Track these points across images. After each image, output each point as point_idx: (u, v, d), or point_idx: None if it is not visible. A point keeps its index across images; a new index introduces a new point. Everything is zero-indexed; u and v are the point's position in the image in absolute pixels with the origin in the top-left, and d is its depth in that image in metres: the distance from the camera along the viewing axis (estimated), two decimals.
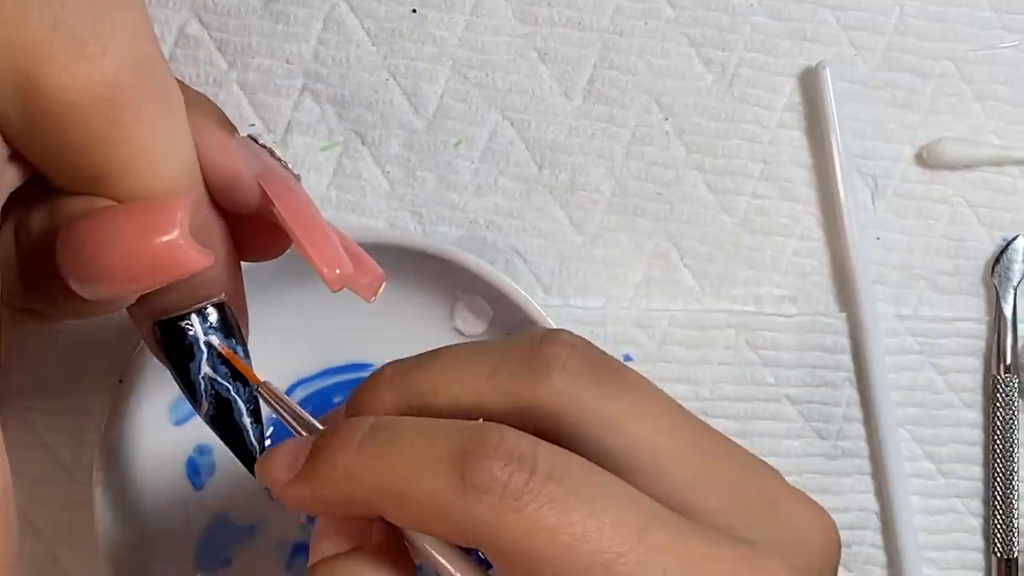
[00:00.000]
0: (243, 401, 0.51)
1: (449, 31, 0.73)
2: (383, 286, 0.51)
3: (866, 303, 0.75)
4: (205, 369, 0.50)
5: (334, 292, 0.49)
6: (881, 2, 0.76)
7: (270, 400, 0.51)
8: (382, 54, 0.72)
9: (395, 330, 0.69)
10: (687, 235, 0.74)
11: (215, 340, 0.50)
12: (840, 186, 0.74)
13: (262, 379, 0.51)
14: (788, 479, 0.72)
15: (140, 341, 0.64)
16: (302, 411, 0.51)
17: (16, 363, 0.69)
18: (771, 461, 0.69)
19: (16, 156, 0.44)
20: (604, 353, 0.49)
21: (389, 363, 0.51)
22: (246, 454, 0.52)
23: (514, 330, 0.68)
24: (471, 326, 0.69)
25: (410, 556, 0.46)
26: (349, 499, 0.45)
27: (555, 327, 0.54)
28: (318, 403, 0.69)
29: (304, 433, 0.49)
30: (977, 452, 0.77)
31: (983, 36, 0.75)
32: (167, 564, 0.67)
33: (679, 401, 0.71)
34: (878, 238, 0.76)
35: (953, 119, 0.75)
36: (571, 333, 0.49)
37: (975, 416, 0.77)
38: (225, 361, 0.50)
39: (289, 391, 0.69)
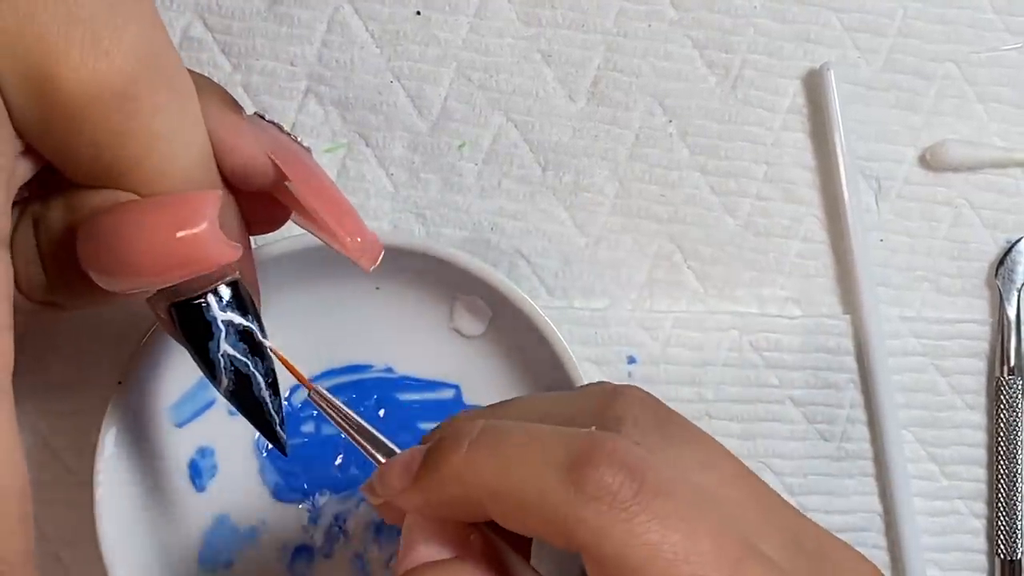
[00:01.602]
0: (261, 375, 0.51)
1: (453, 33, 0.71)
2: (381, 254, 0.52)
3: (869, 305, 0.73)
4: (224, 347, 0.50)
5: (353, 260, 0.50)
6: (884, 4, 0.74)
7: (321, 403, 0.53)
8: (386, 56, 0.71)
9: (395, 331, 0.68)
10: (690, 237, 0.73)
11: (233, 317, 0.49)
12: (844, 188, 0.73)
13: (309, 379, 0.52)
14: (792, 481, 0.72)
15: (139, 343, 0.63)
16: (352, 414, 0.53)
17: (20, 365, 0.67)
18: (775, 463, 0.68)
19: (28, 149, 0.44)
20: (669, 408, 0.50)
21: (461, 413, 0.53)
22: (267, 425, 0.52)
23: (513, 331, 0.67)
24: (470, 327, 0.68)
25: (507, 567, 0.47)
26: (458, 500, 0.46)
27: (617, 384, 0.54)
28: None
29: (355, 435, 0.52)
30: (980, 454, 0.75)
31: (986, 38, 0.74)
32: (169, 566, 0.66)
33: (683, 403, 0.70)
34: (882, 240, 0.75)
35: (956, 121, 0.74)
36: (639, 389, 0.50)
37: (978, 418, 0.75)
38: (243, 337, 0.50)
39: (289, 394, 0.68)
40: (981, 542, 0.75)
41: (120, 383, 0.63)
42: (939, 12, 0.75)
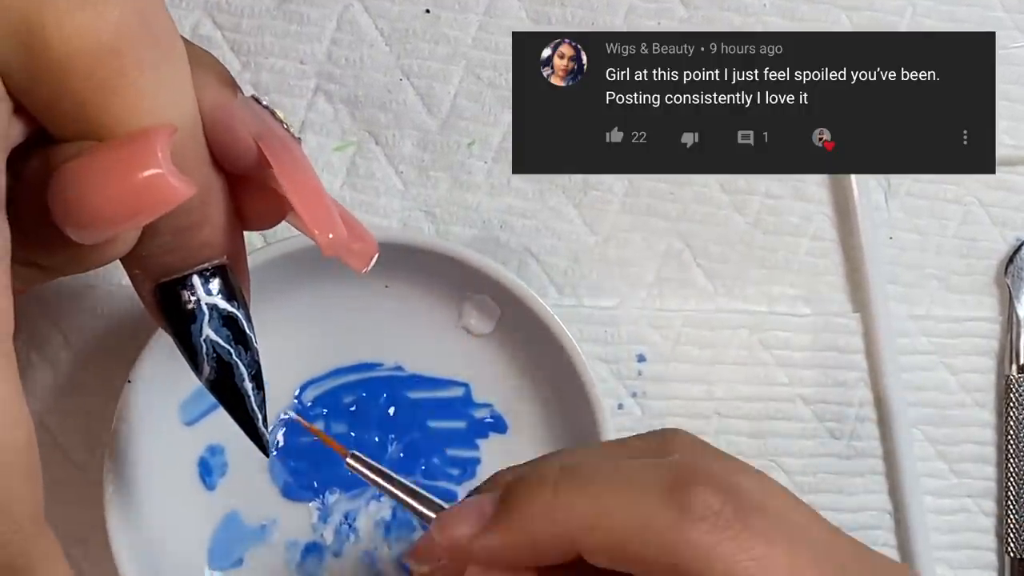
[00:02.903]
0: (245, 366, 0.49)
1: (463, 31, 0.71)
2: (375, 257, 0.50)
3: (879, 303, 0.72)
4: (207, 331, 0.48)
5: (326, 257, 0.47)
6: (894, 2, 0.73)
7: (363, 470, 0.53)
8: (395, 54, 0.70)
9: (404, 329, 0.68)
10: (700, 235, 0.72)
11: (217, 302, 0.48)
12: (853, 186, 0.72)
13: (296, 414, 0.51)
14: (801, 479, 0.71)
15: (148, 341, 0.62)
16: (395, 475, 0.53)
17: (30, 362, 0.67)
18: (785, 461, 0.67)
19: (20, 110, 0.42)
20: (717, 447, 0.51)
21: (511, 468, 0.53)
22: (247, 420, 0.50)
23: (522, 329, 0.66)
24: (479, 325, 0.68)
25: None
26: (546, 540, 0.46)
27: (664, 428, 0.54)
28: (329, 403, 0.68)
29: (402, 495, 0.52)
30: (990, 452, 0.74)
31: (996, 36, 0.71)
32: (179, 564, 0.66)
33: (693, 401, 0.69)
34: (891, 238, 0.74)
35: None
36: (687, 432, 0.50)
37: (988, 416, 0.74)
38: (227, 323, 0.48)
39: (299, 392, 0.68)
40: (991, 540, 0.74)
41: (129, 382, 0.62)
42: (949, 10, 0.74)
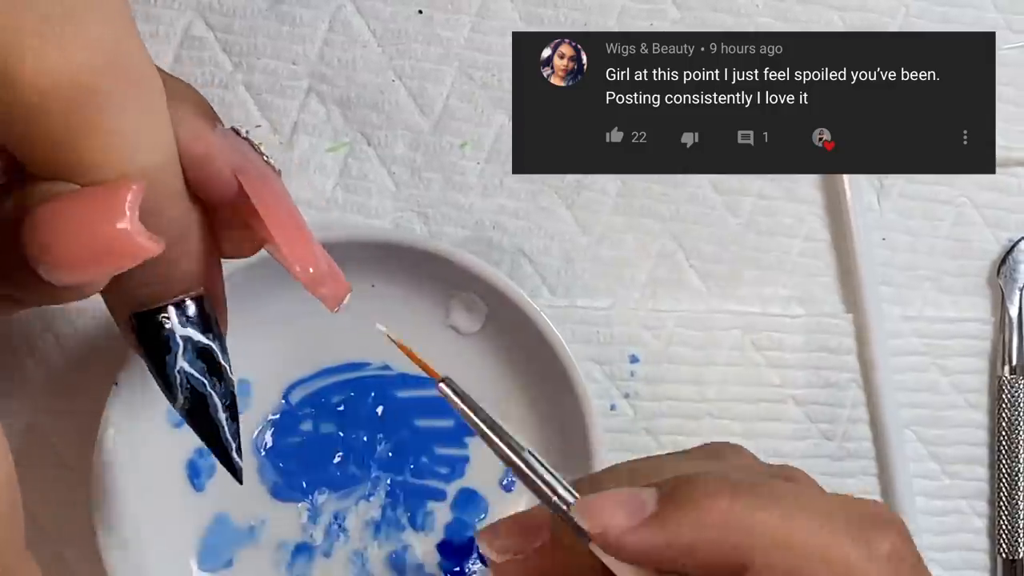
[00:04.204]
0: (219, 396, 0.48)
1: (455, 32, 0.69)
2: (347, 298, 0.50)
3: (871, 304, 0.71)
4: (181, 363, 0.47)
5: (316, 295, 0.47)
6: (887, 3, 0.72)
7: (484, 431, 0.48)
8: (388, 55, 0.69)
9: (391, 329, 0.65)
10: (693, 236, 0.71)
11: (192, 334, 0.47)
12: (846, 187, 0.71)
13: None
14: None
15: None
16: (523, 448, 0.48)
17: (23, 363, 0.66)
18: (776, 462, 0.65)
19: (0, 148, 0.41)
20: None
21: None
22: (222, 449, 0.49)
23: (509, 327, 0.65)
24: (467, 324, 0.67)
25: None
26: (713, 546, 0.44)
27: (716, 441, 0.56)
28: (316, 403, 0.66)
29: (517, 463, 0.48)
30: (982, 453, 0.73)
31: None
32: (169, 565, 0.64)
33: (685, 402, 0.68)
34: (884, 239, 0.72)
35: None
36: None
37: (980, 417, 0.73)
38: (201, 355, 0.47)
39: (287, 392, 0.66)
40: (983, 541, 0.73)
41: (116, 384, 0.61)
42: (942, 11, 0.73)
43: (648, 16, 0.70)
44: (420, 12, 0.69)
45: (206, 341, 0.47)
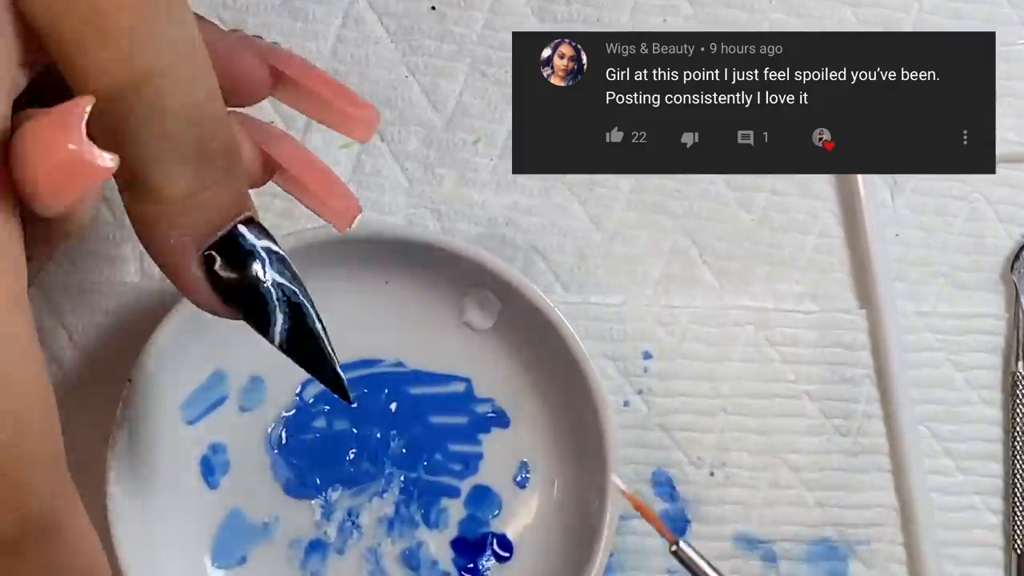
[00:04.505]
0: (310, 304, 0.47)
1: (468, 28, 0.69)
2: (357, 221, 0.50)
3: (885, 300, 0.71)
4: (271, 275, 0.45)
5: (326, 217, 0.50)
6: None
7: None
8: (401, 51, 0.69)
9: (405, 325, 0.66)
10: (706, 232, 0.71)
11: (269, 244, 0.45)
12: (859, 183, 0.71)
13: None
14: (808, 476, 0.69)
15: (150, 338, 0.61)
16: None
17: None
18: (791, 458, 0.65)
19: (25, 62, 0.40)
20: None
21: None
22: (327, 364, 0.47)
23: (523, 323, 0.65)
24: (480, 320, 0.66)
25: None
26: None
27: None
28: (330, 400, 0.66)
29: None
30: (996, 449, 0.72)
31: (1002, 33, 0.70)
32: (183, 562, 0.64)
33: (699, 398, 0.67)
34: (897, 235, 0.72)
35: None
36: None
37: (994, 413, 0.72)
38: (283, 263, 0.46)
39: (300, 390, 0.66)
40: (997, 537, 0.72)
41: (130, 381, 0.61)
42: (954, 6, 0.72)
43: (661, 12, 0.70)
44: (433, 8, 0.69)
45: (281, 250, 0.46)
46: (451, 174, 0.69)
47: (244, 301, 0.45)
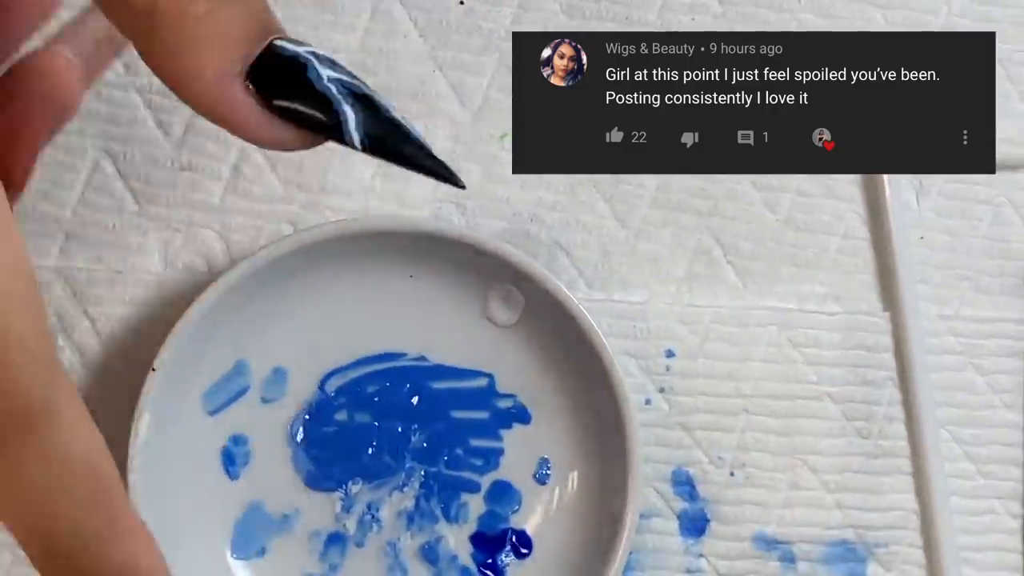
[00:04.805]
0: (378, 96, 0.42)
1: (496, 23, 0.69)
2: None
3: (909, 302, 0.70)
4: (326, 71, 0.41)
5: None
6: (929, 1, 0.72)
7: None
8: (429, 45, 0.68)
9: (428, 319, 0.66)
10: (730, 231, 0.70)
11: (314, 48, 0.42)
12: (885, 185, 0.71)
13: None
14: (828, 478, 0.69)
15: (173, 329, 0.61)
16: None
17: (58, 349, 0.65)
18: (812, 459, 0.65)
19: None
20: None
21: None
22: (420, 149, 0.42)
23: (546, 319, 0.65)
24: (504, 316, 0.66)
25: None
26: None
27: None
28: (352, 392, 0.66)
29: None
30: (1017, 454, 0.72)
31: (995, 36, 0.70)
32: (202, 553, 0.64)
33: (721, 398, 0.67)
34: (922, 238, 0.71)
35: (998, 120, 0.69)
36: None
37: (1016, 418, 0.72)
38: (334, 63, 0.42)
39: (323, 381, 0.66)
40: (1017, 542, 0.72)
41: (153, 370, 0.61)
42: (983, 10, 0.72)
43: (690, 10, 0.70)
44: (461, 3, 0.69)
45: (326, 53, 0.42)
46: (477, 169, 0.68)
47: (307, 111, 0.41)
